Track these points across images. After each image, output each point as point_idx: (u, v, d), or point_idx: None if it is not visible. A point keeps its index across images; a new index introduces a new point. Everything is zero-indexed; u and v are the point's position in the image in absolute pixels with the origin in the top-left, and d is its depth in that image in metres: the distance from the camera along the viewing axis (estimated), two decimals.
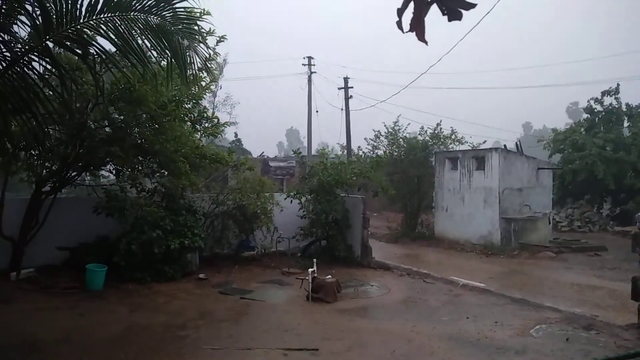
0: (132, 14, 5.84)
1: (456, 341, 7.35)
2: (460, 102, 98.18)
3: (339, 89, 30.07)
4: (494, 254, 15.47)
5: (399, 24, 2.81)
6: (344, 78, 30.01)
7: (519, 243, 16.26)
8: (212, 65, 10.77)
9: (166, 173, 11.33)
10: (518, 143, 19.85)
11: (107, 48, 6.18)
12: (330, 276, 10.49)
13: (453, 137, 20.67)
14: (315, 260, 10.72)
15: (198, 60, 6.73)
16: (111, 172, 11.46)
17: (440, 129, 20.73)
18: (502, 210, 16.61)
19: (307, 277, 9.94)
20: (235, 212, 13.17)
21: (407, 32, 2.81)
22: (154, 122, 10.33)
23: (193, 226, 11.42)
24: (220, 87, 33.62)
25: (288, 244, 13.29)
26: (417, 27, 2.80)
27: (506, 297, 10.02)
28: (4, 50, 5.72)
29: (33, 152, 10.03)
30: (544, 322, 8.31)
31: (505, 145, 20.23)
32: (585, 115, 25.98)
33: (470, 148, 20.11)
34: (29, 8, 5.59)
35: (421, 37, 2.82)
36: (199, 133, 11.95)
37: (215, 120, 12.07)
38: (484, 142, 21.35)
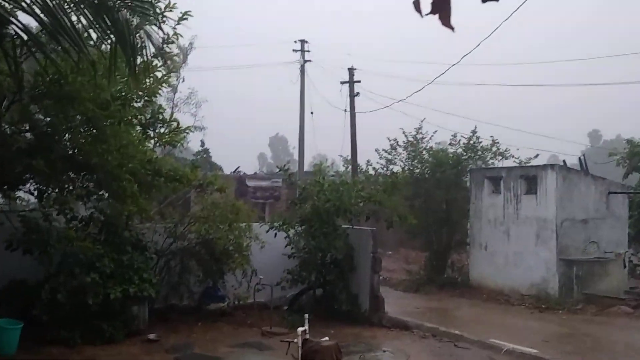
0: None
1: None
2: (503, 102, 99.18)
3: (342, 83, 30.18)
4: (550, 309, 15.42)
5: (417, 5, 2.81)
6: (349, 69, 30.18)
7: (584, 294, 16.19)
8: (172, 50, 10.82)
9: (106, 195, 11.26)
10: (582, 158, 19.95)
11: (30, 26, 6.19)
12: (327, 338, 10.35)
13: (494, 149, 20.79)
14: (307, 315, 10.56)
15: (152, 43, 6.74)
16: (32, 194, 11.37)
17: (477, 138, 20.85)
18: (561, 248, 16.59)
19: (295, 340, 9.82)
20: (200, 249, 13.08)
21: (427, 14, 2.82)
22: (92, 127, 10.32)
23: (141, 268, 11.34)
24: (183, 80, 33.79)
25: (271, 293, 13.20)
26: (441, 8, 2.80)
27: None
28: None
29: None
30: None
31: (564, 161, 20.33)
32: None
33: (517, 164, 20.18)
34: None
35: (446, 21, 2.82)
36: (152, 141, 11.95)
37: (175, 124, 12.07)
38: (536, 156, 21.44)
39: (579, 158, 20.32)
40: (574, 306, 15.56)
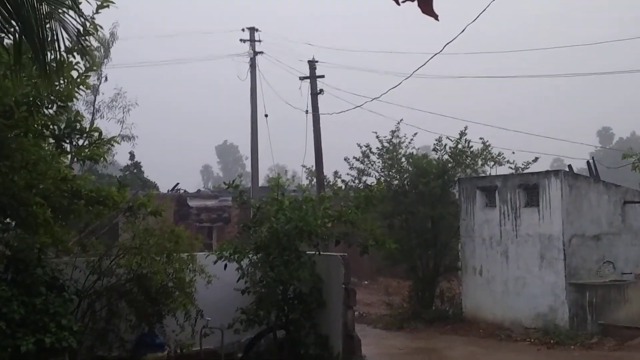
0: None
1: None
2: (494, 96, 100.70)
3: (302, 79, 30.35)
4: (560, 344, 15.66)
5: None
6: (309, 61, 30.36)
7: (599, 324, 16.48)
8: (91, 44, 10.73)
9: (13, 224, 11.06)
10: (591, 162, 20.38)
11: None
12: None
13: (486, 154, 21.09)
14: None
15: (66, 35, 6.70)
16: None
17: (467, 141, 21.14)
18: (570, 271, 16.87)
19: None
20: (131, 288, 12.88)
21: (404, 1, 2.87)
22: None
23: (59, 313, 11.08)
24: (106, 80, 33.41)
25: (221, 338, 13.12)
26: None
27: None
28: None
29: None
30: None
31: (570, 166, 20.76)
32: None
33: (514, 171, 20.49)
34: None
35: (427, 8, 2.88)
36: (68, 156, 11.81)
37: (96, 134, 11.95)
38: (536, 160, 21.73)
39: (588, 162, 20.77)
40: (589, 340, 15.82)
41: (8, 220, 11.22)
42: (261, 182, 33.62)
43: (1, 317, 10.44)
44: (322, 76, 30.37)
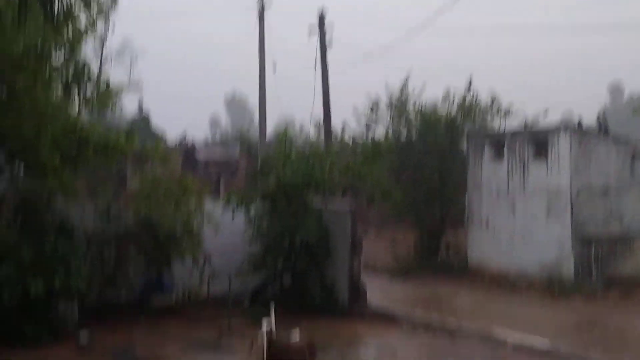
0: None
1: None
2: (503, 51, 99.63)
3: (311, 31, 30.04)
4: (564, 295, 15.76)
5: None
6: (319, 15, 30.04)
7: (604, 276, 16.57)
8: None
9: (22, 169, 11.14)
10: (601, 117, 20.26)
11: None
12: (297, 335, 10.49)
13: (496, 108, 20.98)
14: (273, 309, 10.71)
15: None
16: None
17: (475, 94, 21.02)
18: (577, 224, 16.90)
19: (259, 338, 9.93)
20: (140, 233, 13.08)
21: None
22: (2, 85, 10.22)
23: (68, 257, 11.32)
24: (113, 30, 33.23)
25: (228, 284, 13.25)
26: None
27: None
28: None
29: None
30: None
31: (580, 121, 20.62)
32: None
33: (523, 125, 20.40)
34: None
35: None
36: (76, 104, 11.85)
37: (105, 83, 12.00)
38: (545, 113, 21.66)
39: (597, 117, 20.63)
40: (593, 291, 15.91)
41: (17, 165, 11.31)
42: (269, 135, 33.55)
43: (11, 260, 10.62)
44: (332, 29, 30.01)
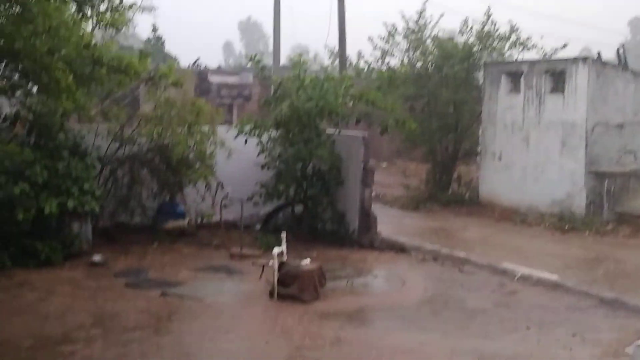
0: None
1: None
2: None
3: None
4: (575, 230, 15.77)
5: None
6: None
7: (616, 212, 16.53)
8: None
9: (35, 89, 11.08)
10: (620, 51, 19.88)
11: None
12: (308, 261, 10.60)
13: (513, 38, 20.57)
14: (284, 235, 10.80)
15: None
16: None
17: (493, 24, 20.59)
18: (591, 159, 16.79)
19: (271, 263, 10.04)
20: (153, 157, 13.10)
21: None
22: (14, 2, 10.04)
23: (81, 178, 11.38)
24: None
25: (241, 209, 13.34)
26: None
27: (591, 296, 10.27)
28: None
29: None
30: None
31: (599, 54, 20.24)
32: None
33: (541, 57, 20.06)
34: None
35: None
36: (90, 22, 11.69)
37: (118, 2, 11.80)
38: (564, 46, 21.20)
39: (617, 50, 20.24)
40: (603, 227, 15.90)
41: (30, 85, 11.24)
42: (283, 61, 33.23)
43: (25, 179, 10.70)
44: None
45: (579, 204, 16.71)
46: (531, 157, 17.89)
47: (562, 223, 16.25)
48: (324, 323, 8.93)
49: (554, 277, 11.21)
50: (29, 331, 8.18)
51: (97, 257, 11.44)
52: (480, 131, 19.67)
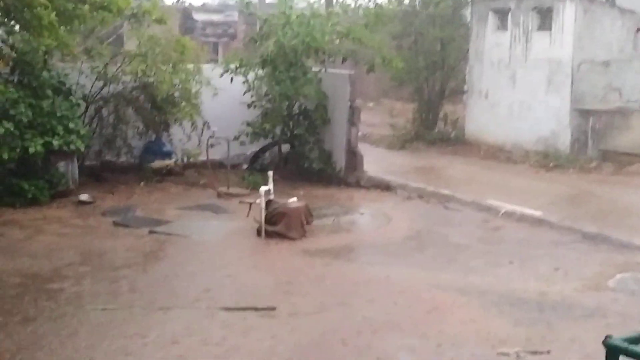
0: None
1: (491, 298, 7.66)
2: None
3: None
4: (559, 167, 15.86)
5: None
6: None
7: (600, 150, 16.59)
8: None
9: (17, 26, 10.89)
10: None
11: None
12: (295, 199, 10.64)
13: None
14: (271, 173, 10.79)
15: None
16: None
17: None
18: (576, 96, 16.75)
19: (258, 201, 10.05)
20: (138, 95, 13.01)
21: None
22: None
23: (66, 117, 11.32)
24: None
25: (227, 148, 13.30)
26: None
27: (574, 231, 10.40)
28: None
29: None
30: (630, 269, 8.71)
31: None
32: None
33: None
34: None
35: None
36: None
37: None
38: None
39: None
40: (588, 164, 15.97)
41: (13, 22, 11.04)
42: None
43: (9, 118, 10.63)
44: None
45: (564, 141, 16.74)
46: (517, 95, 17.82)
47: (547, 160, 16.31)
48: (310, 259, 9.02)
49: (537, 213, 11.30)
50: (17, 269, 8.23)
51: (84, 196, 11.46)
52: (467, 69, 19.56)
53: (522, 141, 17.39)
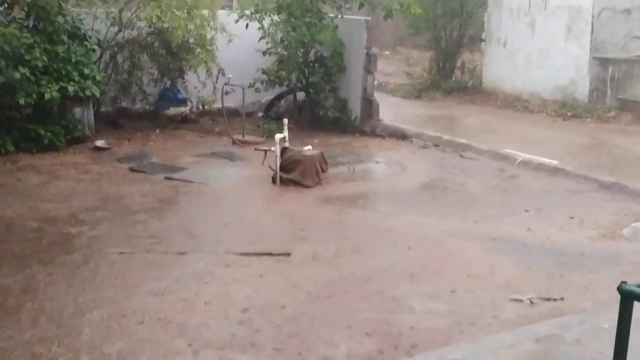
0: None
1: (506, 245, 7.69)
2: None
3: None
4: (577, 117, 15.75)
5: None
6: None
7: (618, 99, 16.41)
8: None
9: None
10: None
11: None
12: (310, 147, 10.64)
13: None
14: (286, 121, 10.80)
15: None
16: None
17: None
18: (596, 45, 16.51)
19: (273, 148, 10.07)
20: (153, 41, 12.97)
21: None
22: None
23: (81, 62, 11.33)
24: None
25: (242, 96, 13.27)
26: None
27: (590, 180, 10.37)
28: None
29: None
30: None
31: None
32: None
33: None
34: None
35: None
36: None
37: None
38: None
39: None
40: (606, 113, 15.84)
41: None
42: None
43: (25, 64, 10.66)
44: None
45: (582, 90, 16.60)
46: (536, 43, 17.62)
47: (565, 110, 16.20)
48: (326, 207, 9.06)
49: (554, 162, 11.26)
50: (35, 213, 8.34)
51: (100, 142, 11.57)
52: (485, 17, 19.33)
53: (539, 90, 17.27)
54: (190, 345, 5.21)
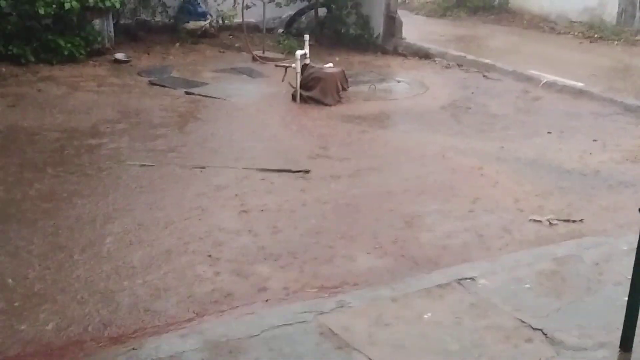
0: None
1: (526, 166, 7.66)
2: None
3: None
4: (604, 39, 15.47)
5: None
6: None
7: None
8: None
9: None
10: None
11: None
12: (331, 64, 10.54)
13: None
14: (307, 37, 10.64)
15: None
16: None
17: None
18: None
19: (293, 65, 9.97)
20: None
21: None
22: None
23: None
24: None
25: (263, 11, 13.07)
26: None
27: (615, 103, 10.25)
28: None
29: None
30: None
31: None
32: None
33: None
34: None
35: None
36: None
37: None
38: None
39: None
40: (633, 36, 15.52)
41: None
42: None
43: None
44: None
45: (611, 12, 16.23)
46: None
47: (591, 32, 15.90)
48: (345, 125, 9.02)
49: (579, 84, 11.11)
50: (57, 124, 8.38)
51: (120, 55, 11.52)
52: None
53: (567, 11, 16.90)
54: (210, 256, 5.28)
